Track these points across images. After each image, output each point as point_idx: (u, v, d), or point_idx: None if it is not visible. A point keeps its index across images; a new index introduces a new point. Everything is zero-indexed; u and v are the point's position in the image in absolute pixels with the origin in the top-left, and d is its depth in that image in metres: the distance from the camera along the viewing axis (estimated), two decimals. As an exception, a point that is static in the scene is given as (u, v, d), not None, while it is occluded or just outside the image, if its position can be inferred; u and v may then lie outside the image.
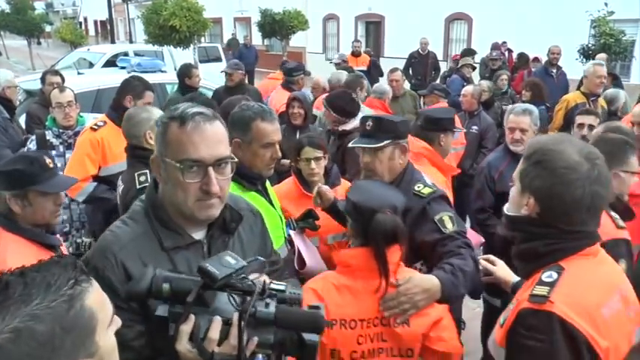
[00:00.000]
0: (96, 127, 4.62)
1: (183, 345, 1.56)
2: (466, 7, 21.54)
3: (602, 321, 1.71)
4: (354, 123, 4.91)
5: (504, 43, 16.14)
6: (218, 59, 18.40)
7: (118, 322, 1.26)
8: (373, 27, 26.41)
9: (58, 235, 3.09)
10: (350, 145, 3.39)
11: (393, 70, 8.46)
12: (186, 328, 1.56)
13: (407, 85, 10.88)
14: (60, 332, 1.08)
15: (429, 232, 2.81)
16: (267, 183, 3.19)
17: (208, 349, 1.56)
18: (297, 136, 5.39)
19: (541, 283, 1.77)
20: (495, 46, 15.03)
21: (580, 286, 1.76)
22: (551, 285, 1.75)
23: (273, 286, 1.64)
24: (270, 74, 9.75)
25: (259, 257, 1.77)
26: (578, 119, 5.07)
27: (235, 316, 1.58)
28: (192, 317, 1.57)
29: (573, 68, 11.29)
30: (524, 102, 7.10)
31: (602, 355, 1.67)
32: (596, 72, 6.75)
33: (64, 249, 3.18)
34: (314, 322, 1.62)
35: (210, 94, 7.64)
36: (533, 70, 11.56)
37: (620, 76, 12.33)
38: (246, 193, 2.90)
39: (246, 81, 16.91)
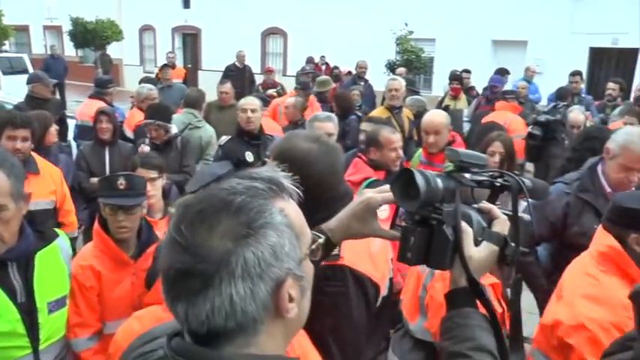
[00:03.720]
0: None
1: (470, 247, 1.32)
2: (281, 23, 22.15)
3: (372, 258, 2.10)
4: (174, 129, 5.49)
5: (323, 57, 16.83)
6: (25, 71, 17.00)
7: None
8: (190, 39, 26.20)
9: None
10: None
11: (223, 82, 8.31)
12: (467, 226, 1.33)
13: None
14: None
15: None
16: (58, 249, 2.35)
17: (503, 232, 1.34)
18: (107, 152, 5.29)
19: None
20: (310, 60, 15.66)
21: None
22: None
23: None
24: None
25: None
26: (362, 126, 5.57)
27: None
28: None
29: (381, 81, 12.13)
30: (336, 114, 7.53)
31: (379, 283, 2.09)
32: (387, 86, 7.13)
33: None
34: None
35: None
36: (344, 82, 12.26)
37: (424, 89, 13.51)
38: None
39: (57, 94, 16.18)
